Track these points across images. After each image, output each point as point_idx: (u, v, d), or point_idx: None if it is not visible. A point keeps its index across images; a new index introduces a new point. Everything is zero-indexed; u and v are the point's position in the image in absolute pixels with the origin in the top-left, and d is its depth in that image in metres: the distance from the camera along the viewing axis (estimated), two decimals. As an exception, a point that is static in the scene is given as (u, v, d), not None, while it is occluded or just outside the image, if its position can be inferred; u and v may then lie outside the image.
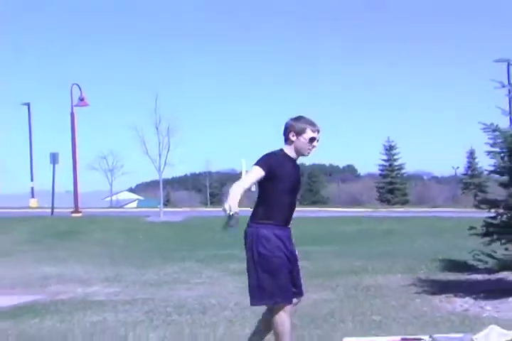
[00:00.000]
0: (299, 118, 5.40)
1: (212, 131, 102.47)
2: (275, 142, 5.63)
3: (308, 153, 5.42)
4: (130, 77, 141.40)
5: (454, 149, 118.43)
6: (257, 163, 5.19)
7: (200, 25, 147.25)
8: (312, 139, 5.34)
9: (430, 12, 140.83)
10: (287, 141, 5.38)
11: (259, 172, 5.14)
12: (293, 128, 5.34)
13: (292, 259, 5.37)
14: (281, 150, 5.38)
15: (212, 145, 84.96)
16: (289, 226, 5.44)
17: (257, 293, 5.26)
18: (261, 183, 5.24)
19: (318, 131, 5.38)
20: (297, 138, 5.33)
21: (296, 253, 5.49)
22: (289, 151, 5.38)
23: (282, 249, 5.24)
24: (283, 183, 5.24)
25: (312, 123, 5.38)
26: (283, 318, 5.22)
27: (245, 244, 5.33)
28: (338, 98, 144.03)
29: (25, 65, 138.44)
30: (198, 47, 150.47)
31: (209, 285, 11.06)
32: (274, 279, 5.19)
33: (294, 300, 5.38)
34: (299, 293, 5.49)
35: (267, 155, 5.29)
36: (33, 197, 46.75)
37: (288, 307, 5.25)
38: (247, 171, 5.41)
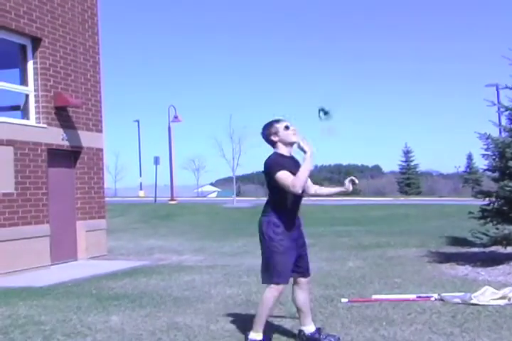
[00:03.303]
0: (265, 126, 4.65)
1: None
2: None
3: (295, 137, 4.56)
4: (212, 100, 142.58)
5: (456, 152, 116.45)
6: (279, 169, 4.43)
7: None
8: (286, 127, 4.58)
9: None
10: (274, 144, 4.62)
11: (287, 172, 4.43)
12: (269, 133, 4.61)
13: (299, 245, 4.67)
14: (275, 153, 4.62)
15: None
16: (298, 215, 4.71)
17: (264, 274, 4.64)
18: (273, 181, 4.49)
19: (285, 121, 4.64)
20: (278, 135, 4.58)
21: (305, 239, 4.79)
22: (282, 150, 4.61)
23: (288, 235, 4.54)
24: None
25: (276, 121, 4.63)
26: (271, 299, 4.54)
27: (259, 230, 4.65)
28: (370, 114, 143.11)
29: (136, 92, 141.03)
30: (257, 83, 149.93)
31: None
32: (276, 262, 4.51)
33: (304, 279, 4.74)
34: (307, 274, 4.78)
35: (274, 160, 4.54)
36: (141, 189, 47.55)
37: (280, 290, 4.54)
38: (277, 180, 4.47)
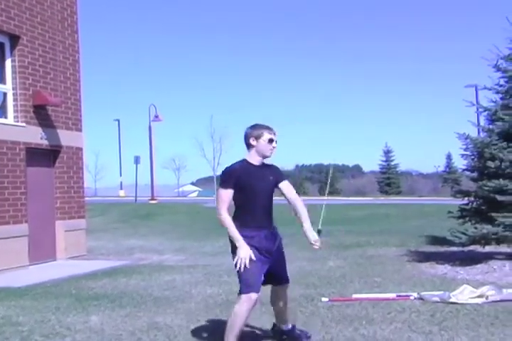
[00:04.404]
0: (255, 126, 4.57)
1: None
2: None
3: (270, 153, 4.55)
4: (192, 100, 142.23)
5: (436, 152, 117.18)
6: (226, 186, 4.41)
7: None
8: (271, 140, 4.51)
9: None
10: (249, 146, 4.54)
11: (228, 193, 4.40)
12: (251, 134, 4.51)
13: (273, 255, 4.50)
14: (244, 160, 4.54)
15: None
16: (268, 226, 4.54)
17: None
18: (234, 194, 4.43)
19: (275, 134, 4.56)
20: (257, 141, 4.49)
21: (282, 250, 4.67)
22: (252, 157, 4.53)
23: (256, 247, 4.35)
24: (250, 190, 4.41)
25: (267, 127, 4.56)
26: (242, 309, 4.28)
27: (229, 239, 4.51)
28: (351, 114, 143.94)
29: (116, 91, 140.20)
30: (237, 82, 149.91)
31: (251, 254, 11.07)
32: (244, 271, 4.29)
33: (282, 286, 4.67)
34: (284, 282, 4.69)
35: (232, 171, 4.46)
36: (121, 188, 47.27)
37: (252, 300, 4.28)
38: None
